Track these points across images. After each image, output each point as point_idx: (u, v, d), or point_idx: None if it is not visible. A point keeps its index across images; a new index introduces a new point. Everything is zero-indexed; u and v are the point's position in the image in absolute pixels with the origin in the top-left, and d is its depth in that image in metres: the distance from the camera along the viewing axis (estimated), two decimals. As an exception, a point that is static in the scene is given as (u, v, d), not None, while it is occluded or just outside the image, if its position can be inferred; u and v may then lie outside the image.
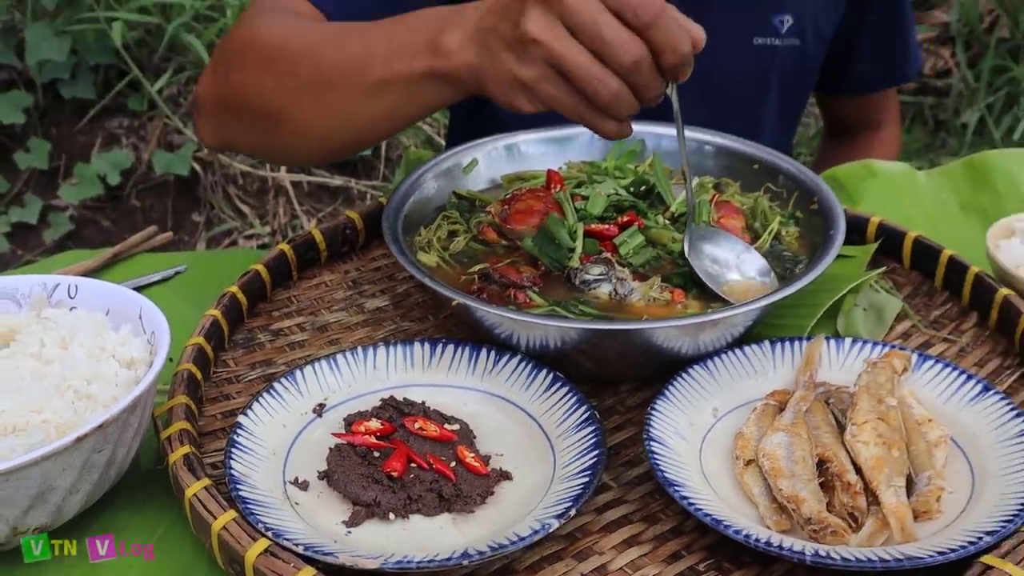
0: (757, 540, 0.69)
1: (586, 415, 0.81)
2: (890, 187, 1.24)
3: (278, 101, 0.99)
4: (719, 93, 1.30)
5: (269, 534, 0.69)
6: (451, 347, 0.89)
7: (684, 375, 0.85)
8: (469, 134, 1.16)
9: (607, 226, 0.97)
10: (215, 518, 0.71)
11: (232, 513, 0.71)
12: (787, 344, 0.89)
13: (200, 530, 0.73)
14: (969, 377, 0.84)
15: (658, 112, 1.19)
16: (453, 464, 0.78)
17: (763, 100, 1.34)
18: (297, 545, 0.68)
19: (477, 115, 1.30)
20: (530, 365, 0.87)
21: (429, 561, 0.68)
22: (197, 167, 2.64)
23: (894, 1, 1.39)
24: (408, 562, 0.68)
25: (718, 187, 1.09)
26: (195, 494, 0.73)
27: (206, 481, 0.74)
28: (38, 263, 1.20)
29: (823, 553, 0.68)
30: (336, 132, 1.00)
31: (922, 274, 1.06)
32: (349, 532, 0.73)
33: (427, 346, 0.90)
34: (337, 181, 2.68)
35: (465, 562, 0.68)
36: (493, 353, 0.88)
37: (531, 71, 0.78)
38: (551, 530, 0.70)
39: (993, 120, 2.86)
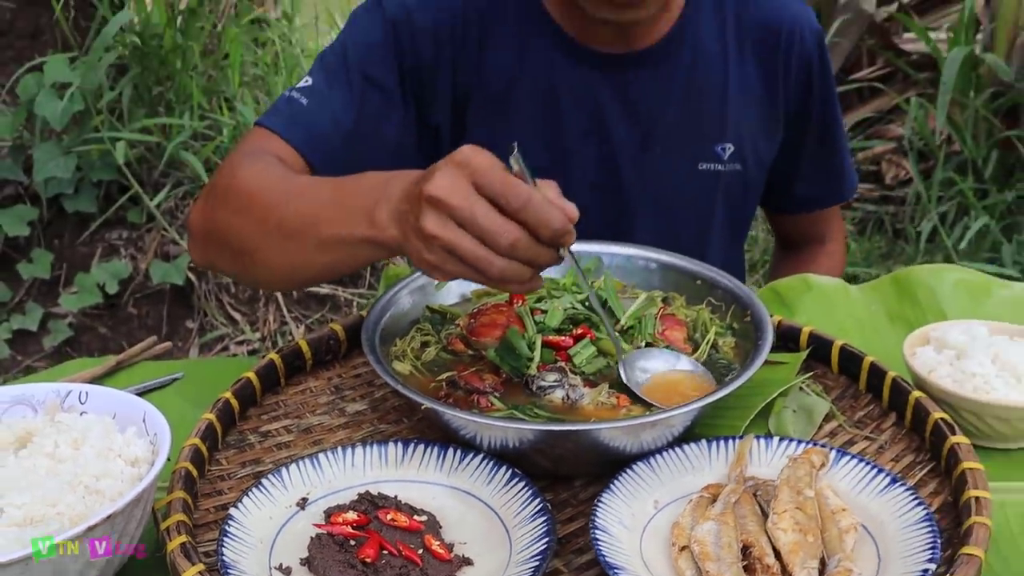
0: (684, 616, 0.79)
1: (539, 507, 0.91)
2: (825, 299, 1.37)
3: (251, 244, 1.14)
4: (670, 213, 1.45)
5: (255, 613, 0.79)
6: (421, 447, 1.00)
7: (628, 471, 0.96)
8: None
9: (563, 338, 1.09)
10: (208, 599, 0.80)
11: (223, 595, 0.81)
12: (722, 442, 1.00)
13: (194, 611, 0.82)
14: (880, 471, 0.95)
15: (613, 233, 1.34)
16: (421, 551, 0.88)
17: (710, 219, 1.48)
18: (280, 622, 0.78)
19: None
20: (491, 463, 0.97)
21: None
22: (192, 276, 2.77)
23: (827, 130, 1.54)
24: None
25: (666, 300, 1.21)
26: (190, 578, 0.82)
27: (200, 567, 0.84)
28: (49, 370, 1.30)
29: (741, 626, 0.77)
30: (296, 273, 1.16)
31: (848, 378, 1.17)
32: (326, 613, 0.83)
33: (400, 446, 1.00)
34: (325, 289, 2.81)
35: (428, 637, 0.77)
36: (459, 452, 0.99)
37: (434, 257, 0.92)
38: (504, 608, 0.79)
39: (946, 229, 3.04)
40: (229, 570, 0.83)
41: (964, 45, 3.24)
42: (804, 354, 1.17)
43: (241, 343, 2.69)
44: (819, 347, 1.19)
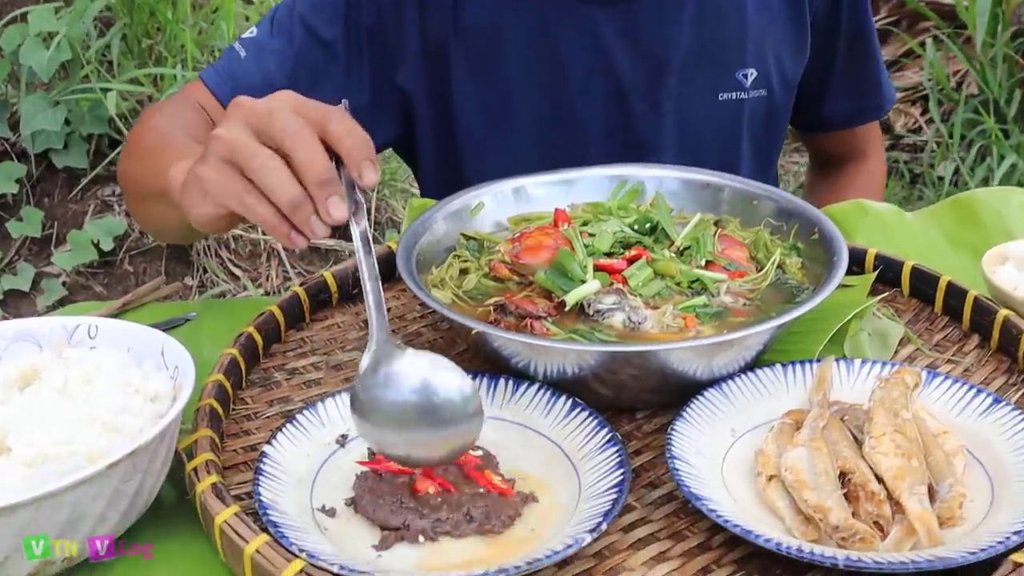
0: (789, 548, 0.70)
1: (608, 437, 0.82)
2: (881, 225, 1.27)
3: (134, 193, 1.19)
4: (691, 150, 1.34)
5: (303, 555, 0.69)
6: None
7: (701, 397, 0.87)
8: (441, 191, 1.19)
9: (615, 261, 1.00)
10: (247, 542, 0.71)
11: (264, 537, 0.72)
12: (798, 367, 0.91)
13: (231, 556, 0.73)
14: (979, 391, 0.86)
15: (649, 157, 1.24)
16: (480, 488, 0.79)
17: (736, 151, 1.38)
18: (332, 565, 0.68)
19: (446, 173, 1.35)
20: (548, 392, 0.88)
21: (466, 576, 0.68)
22: (189, 233, 2.65)
23: (859, 40, 1.42)
24: (444, 579, 0.68)
25: (719, 223, 1.11)
26: (225, 520, 0.73)
27: (235, 508, 0.74)
28: (49, 314, 1.20)
29: (855, 558, 0.69)
30: (165, 228, 1.21)
31: (921, 301, 1.09)
32: (379, 556, 0.74)
33: (445, 377, 0.90)
34: (329, 243, 2.70)
35: (501, 577, 0.68)
36: (511, 382, 0.89)
37: (208, 169, 0.82)
38: (584, 544, 0.70)
39: (968, 170, 2.95)
40: (268, 511, 0.74)
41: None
42: (873, 275, 1.08)
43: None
44: (887, 269, 1.10)
